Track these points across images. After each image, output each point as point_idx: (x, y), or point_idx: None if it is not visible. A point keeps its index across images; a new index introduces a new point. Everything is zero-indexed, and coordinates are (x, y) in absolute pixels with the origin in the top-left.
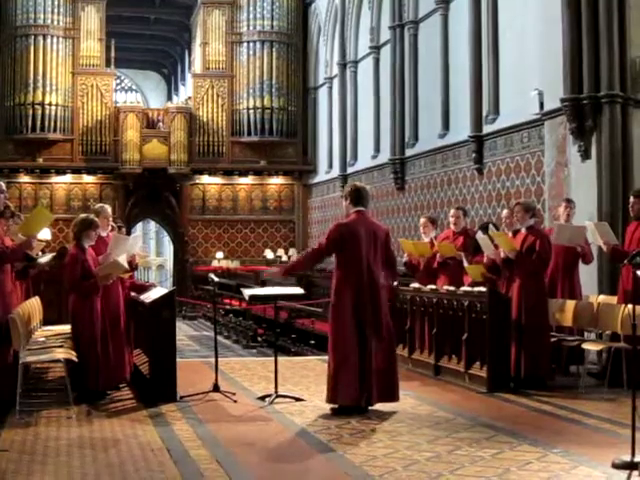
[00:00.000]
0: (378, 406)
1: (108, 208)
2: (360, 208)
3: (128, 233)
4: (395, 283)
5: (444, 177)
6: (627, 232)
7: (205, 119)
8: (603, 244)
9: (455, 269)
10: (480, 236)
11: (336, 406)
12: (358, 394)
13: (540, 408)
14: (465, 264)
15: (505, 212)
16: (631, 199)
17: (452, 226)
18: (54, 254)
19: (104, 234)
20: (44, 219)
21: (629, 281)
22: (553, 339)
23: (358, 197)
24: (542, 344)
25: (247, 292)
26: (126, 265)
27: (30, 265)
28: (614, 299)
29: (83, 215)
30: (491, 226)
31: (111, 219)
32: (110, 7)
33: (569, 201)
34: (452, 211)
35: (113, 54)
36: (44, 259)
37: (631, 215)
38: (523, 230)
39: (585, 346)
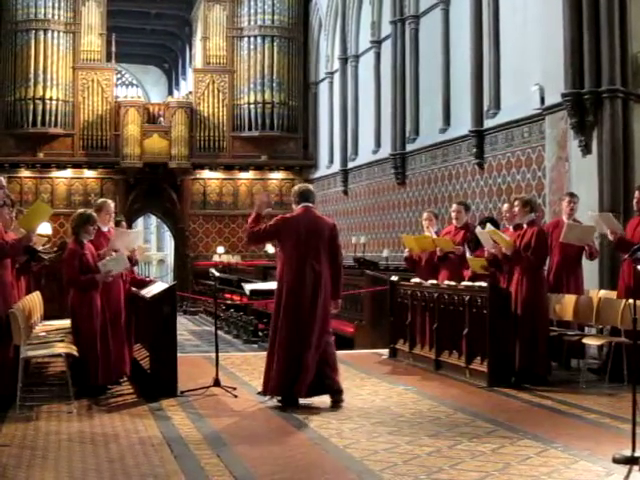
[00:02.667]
0: (378, 400)
1: (111, 203)
2: (305, 204)
3: (129, 228)
4: (339, 301)
5: (445, 172)
6: (629, 226)
7: (206, 114)
8: (610, 234)
9: (456, 263)
10: (480, 231)
11: (266, 397)
12: (286, 385)
13: (540, 403)
14: (468, 254)
15: (505, 206)
16: (636, 194)
17: (454, 221)
18: (55, 248)
19: (105, 229)
20: (43, 213)
21: (630, 276)
22: (553, 334)
23: (301, 195)
24: (540, 339)
25: (248, 287)
26: (127, 262)
27: (33, 260)
28: (614, 294)
29: (81, 210)
30: (488, 224)
31: (113, 214)
32: (111, 2)
33: (572, 195)
34: (454, 206)
35: (114, 49)
36: (47, 254)
37: (635, 210)
38: (525, 225)
39: (586, 341)
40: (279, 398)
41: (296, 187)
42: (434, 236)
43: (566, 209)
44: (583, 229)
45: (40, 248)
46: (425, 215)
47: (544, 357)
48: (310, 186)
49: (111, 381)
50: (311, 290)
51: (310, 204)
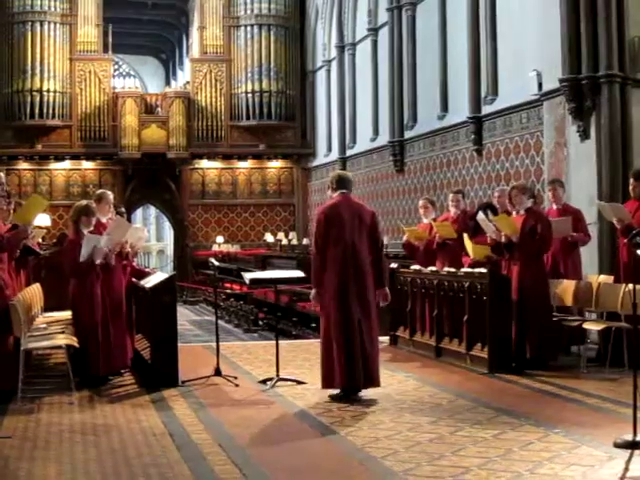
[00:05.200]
0: (379, 389)
1: (110, 194)
2: (343, 191)
3: (128, 219)
4: (387, 290)
5: (443, 159)
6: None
7: (203, 103)
8: (617, 222)
9: (454, 250)
10: (481, 217)
11: (334, 392)
12: (345, 379)
13: (542, 388)
14: (466, 241)
15: (495, 193)
16: (631, 181)
17: (452, 209)
18: (55, 240)
19: (104, 219)
20: (38, 206)
21: (627, 259)
22: (554, 319)
23: (340, 182)
24: (544, 325)
25: (248, 276)
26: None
27: (28, 254)
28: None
29: (80, 202)
30: (489, 212)
31: (112, 205)
32: None
33: (553, 182)
34: (451, 195)
35: (111, 39)
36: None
37: (632, 196)
38: (522, 212)
39: (586, 326)
40: (334, 392)
41: (334, 173)
42: (432, 223)
43: (550, 197)
44: (557, 223)
45: (39, 241)
46: (421, 203)
47: (550, 343)
48: (348, 173)
49: (114, 371)
50: (357, 279)
51: (347, 192)
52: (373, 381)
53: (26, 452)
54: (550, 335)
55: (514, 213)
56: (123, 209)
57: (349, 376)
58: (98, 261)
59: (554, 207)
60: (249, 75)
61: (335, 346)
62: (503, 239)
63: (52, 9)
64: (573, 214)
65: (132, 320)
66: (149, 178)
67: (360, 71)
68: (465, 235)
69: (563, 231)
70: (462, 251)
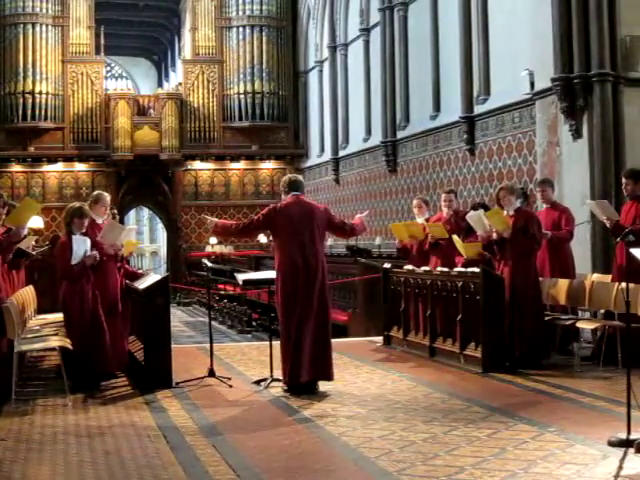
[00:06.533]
0: (373, 388)
1: (107, 196)
2: (294, 192)
3: (121, 221)
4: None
5: (436, 159)
6: (622, 211)
7: (196, 105)
8: (606, 220)
9: (447, 250)
10: (470, 215)
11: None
12: (294, 373)
13: (535, 387)
14: (456, 241)
15: (443, 196)
16: (623, 180)
17: (444, 209)
18: (47, 242)
19: (100, 221)
20: (31, 209)
21: (622, 259)
22: (547, 318)
23: (291, 185)
24: (536, 324)
25: (241, 277)
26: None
27: (20, 257)
28: (608, 277)
29: (73, 204)
30: (481, 210)
31: (109, 207)
32: None
33: (542, 182)
34: (443, 195)
35: (103, 41)
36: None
37: (625, 195)
38: (511, 212)
39: (580, 325)
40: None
41: (285, 177)
42: (425, 223)
43: (539, 197)
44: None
45: (32, 243)
46: (415, 202)
47: (543, 342)
48: (299, 176)
49: (110, 372)
50: (306, 277)
51: (299, 193)
52: (322, 374)
53: (20, 454)
54: (542, 334)
55: (504, 213)
56: (115, 210)
57: (293, 372)
58: (89, 263)
59: (543, 207)
60: (241, 76)
61: (284, 343)
62: (494, 236)
63: (44, 11)
64: (561, 212)
65: (127, 321)
66: (142, 180)
67: (352, 71)
68: (454, 236)
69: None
70: (455, 251)
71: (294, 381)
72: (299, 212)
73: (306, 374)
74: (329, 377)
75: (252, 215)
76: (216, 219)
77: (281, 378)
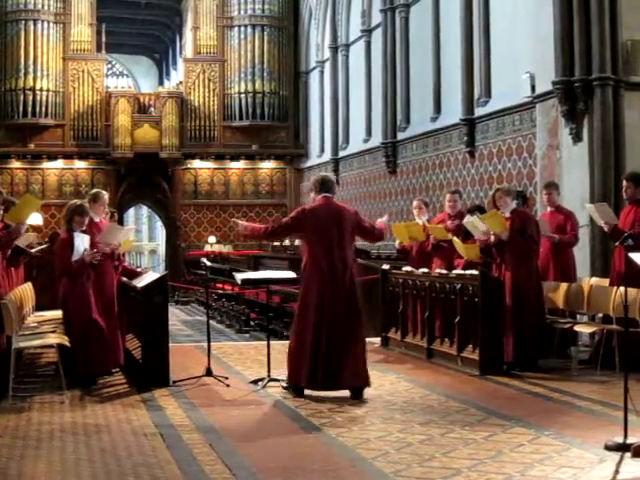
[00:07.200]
0: (370, 389)
1: (105, 194)
2: (325, 194)
3: (120, 219)
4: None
5: (436, 160)
6: (621, 215)
7: (196, 104)
8: (604, 224)
9: (449, 251)
10: (467, 220)
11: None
12: (309, 376)
13: (532, 390)
14: (456, 242)
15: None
16: (624, 183)
17: (448, 210)
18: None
19: (97, 219)
20: (32, 206)
21: (621, 263)
22: (546, 321)
23: (322, 185)
24: (536, 327)
25: (239, 276)
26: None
27: (20, 253)
28: (606, 281)
29: (73, 201)
30: (475, 215)
31: (107, 205)
32: None
33: (548, 186)
34: (448, 195)
35: (104, 39)
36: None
37: (625, 198)
38: (507, 214)
39: (578, 328)
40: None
41: (318, 176)
42: (427, 224)
43: (544, 200)
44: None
45: (31, 241)
46: (415, 203)
47: (542, 345)
48: (332, 176)
49: (106, 370)
50: (332, 282)
51: (330, 195)
52: (361, 381)
53: (16, 451)
54: (541, 337)
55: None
56: (114, 210)
57: (312, 376)
58: (88, 260)
59: (547, 209)
60: (242, 75)
61: (304, 346)
62: (492, 238)
63: (45, 8)
64: (565, 216)
65: (123, 319)
66: (141, 178)
67: (353, 72)
68: (454, 238)
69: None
70: (455, 253)
71: (308, 386)
72: (328, 215)
73: (319, 381)
74: (365, 384)
75: (284, 218)
76: (246, 222)
77: (279, 378)
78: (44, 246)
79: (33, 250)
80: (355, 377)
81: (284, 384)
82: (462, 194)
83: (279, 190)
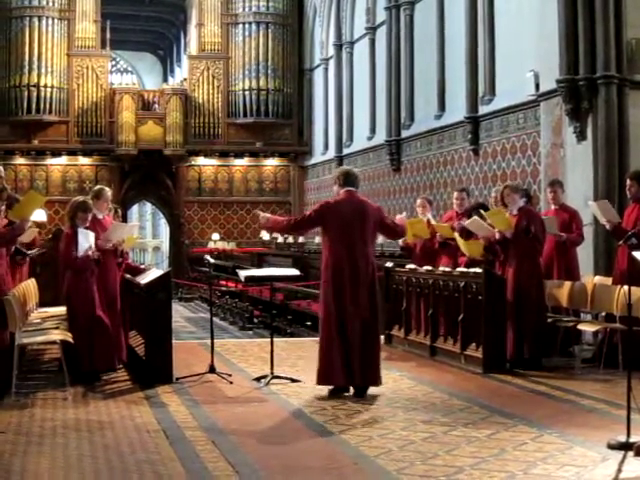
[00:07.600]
0: (373, 387)
1: (109, 191)
2: (349, 188)
3: (124, 216)
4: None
5: (440, 158)
6: (625, 214)
7: (201, 100)
8: (606, 222)
9: (456, 249)
10: (469, 221)
11: (330, 387)
12: (343, 375)
13: (536, 389)
14: (459, 240)
15: (493, 193)
16: (628, 181)
17: (456, 207)
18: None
19: (100, 216)
20: (36, 202)
21: (624, 262)
22: (549, 319)
23: (346, 179)
24: (538, 325)
25: (243, 273)
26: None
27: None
28: (609, 280)
29: (77, 198)
30: (476, 216)
31: (110, 202)
32: None
33: (552, 184)
34: (455, 193)
35: (108, 35)
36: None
37: (628, 197)
38: (514, 211)
39: (581, 327)
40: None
41: (341, 169)
42: (432, 221)
43: (548, 198)
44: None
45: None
46: (419, 201)
47: (545, 343)
48: (355, 170)
49: (109, 367)
50: (352, 278)
51: (354, 189)
52: (369, 380)
53: (19, 447)
54: (544, 335)
55: (506, 213)
56: (117, 206)
57: (347, 374)
58: (90, 253)
59: (552, 207)
60: (246, 73)
61: (332, 344)
62: (497, 236)
63: (50, 4)
64: (570, 214)
65: (126, 316)
66: (145, 175)
67: (357, 70)
68: (456, 235)
69: (548, 229)
70: (459, 251)
71: (339, 384)
72: (351, 210)
73: (356, 377)
74: (375, 383)
75: (307, 211)
76: (268, 214)
77: (282, 375)
78: (43, 250)
79: (30, 252)
80: (369, 376)
81: (326, 394)
82: (469, 192)
83: (283, 187)
